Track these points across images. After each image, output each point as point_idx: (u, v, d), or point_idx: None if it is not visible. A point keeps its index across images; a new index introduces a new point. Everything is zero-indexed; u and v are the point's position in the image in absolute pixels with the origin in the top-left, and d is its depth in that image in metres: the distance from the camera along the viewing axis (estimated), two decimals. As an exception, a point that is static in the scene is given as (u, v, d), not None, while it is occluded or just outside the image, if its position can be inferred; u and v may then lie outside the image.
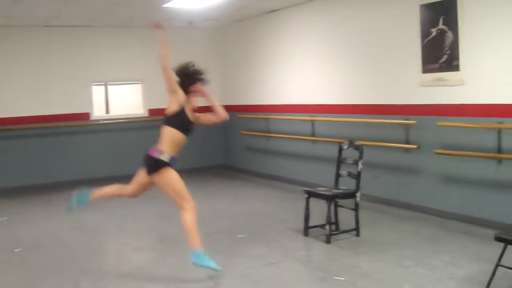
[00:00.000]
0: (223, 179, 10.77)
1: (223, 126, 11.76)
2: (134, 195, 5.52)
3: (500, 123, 6.06)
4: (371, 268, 5.22)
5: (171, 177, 5.08)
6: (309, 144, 9.11)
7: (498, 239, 4.34)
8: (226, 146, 12.01)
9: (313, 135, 9.01)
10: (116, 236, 7.00)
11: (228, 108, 11.40)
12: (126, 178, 10.30)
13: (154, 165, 5.07)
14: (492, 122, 6.14)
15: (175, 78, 5.19)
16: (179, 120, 5.16)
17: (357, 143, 6.42)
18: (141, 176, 5.36)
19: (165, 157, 5.06)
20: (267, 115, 10.17)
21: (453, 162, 6.65)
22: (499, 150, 6.08)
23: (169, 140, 5.12)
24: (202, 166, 11.68)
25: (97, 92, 11.19)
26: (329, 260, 5.61)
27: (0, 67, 10.09)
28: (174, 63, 10.00)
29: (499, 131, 6.08)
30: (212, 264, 5.01)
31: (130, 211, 7.97)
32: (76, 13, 9.18)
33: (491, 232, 5.29)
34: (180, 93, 5.20)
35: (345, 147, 6.56)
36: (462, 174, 6.61)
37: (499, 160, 6.12)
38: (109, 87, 11.49)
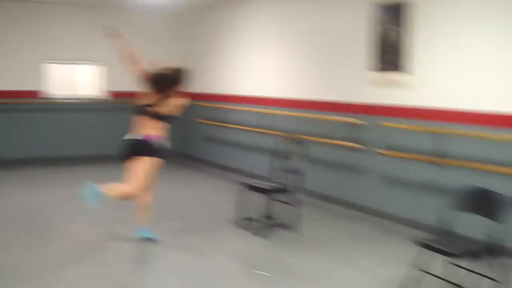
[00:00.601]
0: (177, 168, 10.63)
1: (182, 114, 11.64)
2: (149, 188, 5.59)
3: (441, 127, 6.03)
4: (299, 265, 5.15)
5: (153, 167, 5.36)
6: (262, 136, 9.03)
7: (422, 244, 4.31)
8: (183, 134, 11.87)
9: (266, 127, 8.92)
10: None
11: (186, 95, 11.38)
12: (73, 160, 10.37)
13: (152, 150, 5.31)
14: (434, 126, 6.10)
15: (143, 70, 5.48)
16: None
17: (300, 138, 6.35)
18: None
19: (162, 145, 5.36)
20: (223, 104, 10.06)
21: (395, 163, 6.62)
22: (440, 155, 6.06)
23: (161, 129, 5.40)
24: (158, 153, 11.50)
25: (56, 71, 10.93)
26: (260, 254, 5.55)
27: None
28: (133, 45, 9.92)
29: (439, 136, 6.05)
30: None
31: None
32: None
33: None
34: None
35: (288, 141, 6.49)
36: (402, 176, 6.59)
37: (439, 165, 6.10)
38: (68, 66, 11.22)
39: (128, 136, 5.48)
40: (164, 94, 5.43)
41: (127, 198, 5.41)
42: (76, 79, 11.31)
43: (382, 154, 6.66)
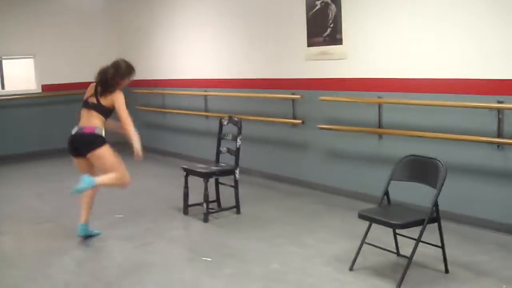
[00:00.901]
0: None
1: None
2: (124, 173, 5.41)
3: (379, 97, 5.99)
4: (241, 247, 5.05)
5: (110, 152, 5.26)
6: (202, 119, 8.87)
7: (361, 216, 4.26)
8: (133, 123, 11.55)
9: (205, 110, 8.76)
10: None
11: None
12: (14, 157, 9.97)
13: (95, 141, 5.16)
14: (372, 97, 6.06)
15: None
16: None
17: (236, 118, 6.23)
18: (80, 162, 5.33)
19: (102, 132, 5.21)
20: (162, 89, 9.83)
21: (337, 138, 6.57)
22: (379, 125, 6.03)
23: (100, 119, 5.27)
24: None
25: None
26: (202, 239, 5.43)
27: None
28: (68, 35, 9.57)
29: (379, 106, 6.02)
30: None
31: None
32: None
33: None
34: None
35: (225, 122, 6.36)
36: (345, 149, 6.55)
37: (380, 136, 6.07)
38: (0, 61, 10.75)
39: (73, 131, 5.30)
40: (107, 89, 5.29)
41: (119, 182, 5.30)
42: (4, 74, 10.82)
43: (322, 128, 6.58)
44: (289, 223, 5.69)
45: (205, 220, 5.86)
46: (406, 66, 5.72)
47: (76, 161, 5.38)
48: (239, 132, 6.07)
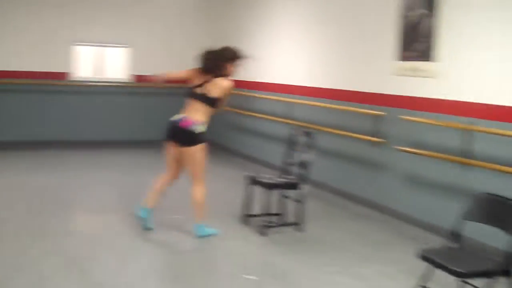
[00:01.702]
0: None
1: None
2: (175, 177, 5.39)
3: (470, 123, 5.38)
4: (292, 269, 4.68)
5: (203, 153, 5.10)
6: (283, 126, 8.51)
7: (423, 258, 3.73)
8: (212, 122, 11.44)
9: (287, 117, 8.41)
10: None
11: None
12: (104, 143, 10.13)
13: (190, 137, 5.02)
14: (462, 122, 5.46)
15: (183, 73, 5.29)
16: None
17: (310, 130, 5.84)
18: (173, 154, 5.21)
19: (200, 130, 5.03)
20: (248, 92, 9.59)
21: (417, 161, 6.00)
22: (466, 154, 5.41)
23: (204, 112, 5.10)
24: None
25: (85, 53, 10.70)
26: (253, 254, 5.10)
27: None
28: (164, 30, 9.62)
29: (468, 133, 5.40)
30: (213, 230, 5.23)
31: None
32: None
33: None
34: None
35: (297, 133, 5.98)
36: (425, 175, 5.97)
37: (465, 166, 5.45)
38: (97, 49, 10.96)
39: (173, 118, 5.18)
40: (212, 74, 5.10)
41: (203, 197, 5.22)
42: (103, 61, 11.01)
43: (403, 150, 6.04)
44: (349, 250, 5.23)
45: (263, 233, 5.52)
46: (505, 92, 5.08)
47: (171, 149, 5.21)
48: (312, 145, 5.69)
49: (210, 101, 5.11)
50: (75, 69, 10.45)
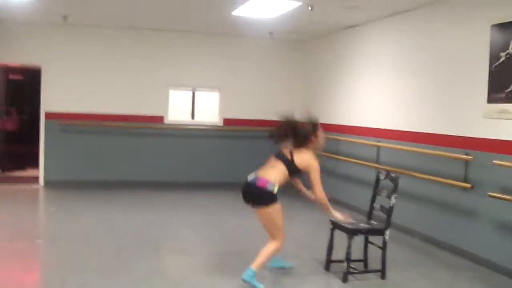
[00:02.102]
0: (285, 197, 10.22)
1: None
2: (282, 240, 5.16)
3: None
4: (371, 318, 4.53)
5: (278, 212, 5.01)
6: (372, 170, 8.40)
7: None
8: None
9: (376, 161, 8.29)
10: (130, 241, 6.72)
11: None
12: (192, 185, 10.42)
13: (264, 197, 4.94)
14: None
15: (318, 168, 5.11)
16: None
17: (393, 174, 5.71)
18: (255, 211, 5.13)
19: (275, 190, 4.94)
20: (337, 135, 9.56)
21: (510, 208, 5.71)
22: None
23: (279, 175, 5.02)
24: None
25: (180, 97, 11.15)
26: (332, 302, 5.00)
27: (81, 65, 10.33)
28: (253, 74, 9.92)
29: None
30: (259, 285, 4.91)
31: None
32: (150, 16, 9.19)
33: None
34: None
35: (382, 177, 5.87)
36: (518, 224, 5.66)
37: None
38: (191, 93, 11.39)
39: (249, 177, 5.14)
40: (301, 144, 5.15)
41: (277, 253, 5.14)
42: (194, 105, 11.39)
43: (494, 196, 5.78)
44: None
45: (344, 280, 5.42)
46: None
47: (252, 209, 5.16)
48: (394, 190, 5.56)
49: (293, 169, 5.08)
50: (169, 112, 10.87)
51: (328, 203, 5.18)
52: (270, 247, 5.01)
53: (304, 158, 5.08)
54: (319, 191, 5.06)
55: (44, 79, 10.22)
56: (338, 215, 5.31)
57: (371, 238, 5.78)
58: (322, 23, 9.06)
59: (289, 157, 5.08)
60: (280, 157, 5.11)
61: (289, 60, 11.36)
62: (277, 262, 5.51)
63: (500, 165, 5.72)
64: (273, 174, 4.98)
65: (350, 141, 9.10)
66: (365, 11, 8.05)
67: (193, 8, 8.41)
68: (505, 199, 5.67)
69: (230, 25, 9.68)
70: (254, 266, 4.93)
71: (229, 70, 11.01)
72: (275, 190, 4.93)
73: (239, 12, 8.39)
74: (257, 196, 4.96)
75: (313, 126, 5.23)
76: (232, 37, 10.85)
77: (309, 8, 7.64)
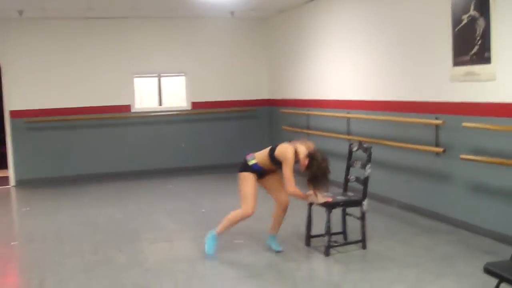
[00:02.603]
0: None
1: (268, 122, 11.31)
2: (280, 202, 5.67)
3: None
4: (355, 289, 4.56)
5: (246, 181, 5.43)
6: (344, 142, 8.40)
7: (488, 271, 3.57)
8: (271, 142, 11.44)
9: (347, 133, 8.30)
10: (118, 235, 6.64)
11: (272, 102, 11.04)
12: (164, 171, 10.35)
13: (242, 166, 5.50)
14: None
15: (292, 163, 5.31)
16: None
17: (366, 144, 5.72)
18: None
19: (251, 162, 5.42)
20: (307, 110, 9.55)
21: (484, 169, 5.77)
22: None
23: (263, 156, 5.44)
24: (247, 162, 11.19)
25: (146, 84, 11.01)
26: (314, 275, 5.06)
27: (42, 59, 10.10)
28: (218, 56, 9.76)
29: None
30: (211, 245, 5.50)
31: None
32: (107, 4, 9.00)
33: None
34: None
35: (354, 148, 5.88)
36: (491, 184, 5.73)
37: (532, 169, 5.21)
38: (156, 79, 11.24)
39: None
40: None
41: (239, 220, 5.51)
42: (160, 91, 11.26)
43: (466, 159, 5.83)
44: (416, 265, 5.06)
45: (326, 253, 5.44)
46: None
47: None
48: (368, 160, 5.58)
49: (271, 155, 5.39)
50: (135, 100, 10.74)
51: (302, 194, 5.37)
52: (233, 213, 5.46)
53: (282, 149, 5.34)
54: (290, 186, 5.25)
55: (5, 77, 9.98)
56: (317, 199, 5.37)
57: (349, 210, 5.81)
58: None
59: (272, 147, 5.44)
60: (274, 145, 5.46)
61: (252, 38, 11.28)
62: (271, 241, 5.67)
63: (470, 128, 5.76)
64: (258, 154, 5.48)
65: (320, 115, 9.09)
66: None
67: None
68: (476, 161, 5.72)
69: (190, 7, 9.55)
70: (217, 230, 5.50)
71: (193, 53, 10.89)
72: (250, 162, 5.43)
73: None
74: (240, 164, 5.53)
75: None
76: (194, 19, 10.72)
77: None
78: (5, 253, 6.02)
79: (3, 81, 10.00)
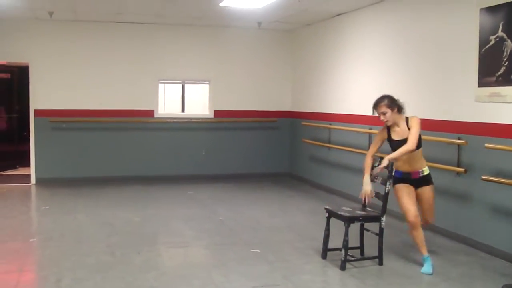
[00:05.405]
0: (279, 188, 10.27)
1: (289, 134, 11.33)
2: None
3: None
4: (370, 304, 4.54)
5: (397, 193, 5.48)
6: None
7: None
8: (291, 154, 11.49)
9: (368, 148, 8.26)
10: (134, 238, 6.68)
11: (294, 114, 11.06)
12: (184, 178, 10.41)
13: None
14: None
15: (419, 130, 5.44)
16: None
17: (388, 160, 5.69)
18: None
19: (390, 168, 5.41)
20: (329, 124, 9.55)
21: (504, 191, 5.72)
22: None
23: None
24: (266, 172, 11.24)
25: (170, 90, 11.13)
26: (329, 289, 5.00)
27: (69, 61, 10.25)
28: (243, 65, 9.83)
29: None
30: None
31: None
32: (136, 10, 9.12)
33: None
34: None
35: (376, 164, 5.85)
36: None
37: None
38: (180, 86, 11.35)
39: None
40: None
41: (412, 230, 5.44)
42: (184, 98, 11.38)
43: (487, 180, 5.79)
44: (431, 284, 5.04)
45: (342, 268, 5.42)
46: None
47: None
48: (390, 176, 5.56)
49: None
50: (159, 106, 10.84)
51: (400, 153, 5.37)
52: (410, 234, 5.47)
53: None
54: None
55: (32, 76, 10.13)
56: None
57: (367, 225, 5.79)
58: (310, 11, 9.02)
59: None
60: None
61: (278, 50, 11.33)
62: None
63: (492, 149, 5.73)
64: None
65: (342, 129, 9.09)
66: (353, -2, 8.04)
67: (181, 0, 8.34)
68: (497, 182, 5.68)
69: (218, 16, 9.63)
70: (422, 252, 5.36)
71: (218, 61, 10.97)
72: (390, 168, 5.45)
73: (226, 3, 8.34)
74: None
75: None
76: (221, 28, 10.80)
77: None
78: (23, 249, 6.09)
79: (30, 80, 10.14)
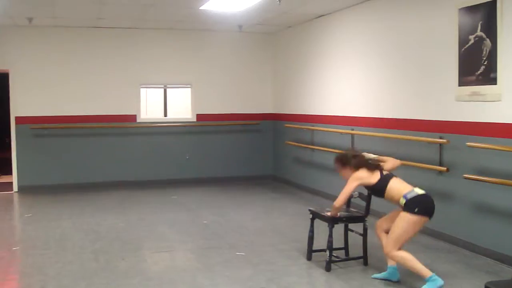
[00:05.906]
0: (263, 190, 10.28)
1: (272, 136, 11.35)
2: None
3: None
4: (355, 305, 4.55)
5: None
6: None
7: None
8: (274, 157, 11.51)
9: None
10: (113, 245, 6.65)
11: (277, 116, 11.08)
12: (168, 182, 10.37)
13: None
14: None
15: (353, 187, 5.26)
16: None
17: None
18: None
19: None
20: (311, 125, 9.58)
21: (486, 189, 5.78)
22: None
23: None
24: (250, 175, 11.23)
25: (151, 94, 11.10)
26: (314, 291, 5.01)
27: (50, 67, 10.17)
28: (224, 69, 9.80)
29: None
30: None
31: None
32: (117, 14, 9.08)
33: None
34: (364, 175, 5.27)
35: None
36: (494, 204, 5.74)
37: (535, 191, 5.22)
38: (162, 90, 11.30)
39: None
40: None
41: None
42: (166, 102, 11.33)
43: (469, 178, 5.84)
44: (416, 281, 5.05)
45: (327, 269, 5.44)
46: None
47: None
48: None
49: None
50: (140, 111, 10.80)
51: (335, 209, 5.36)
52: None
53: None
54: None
55: (12, 83, 10.04)
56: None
57: (351, 226, 5.82)
58: (291, 13, 9.04)
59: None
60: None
61: (259, 52, 11.35)
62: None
63: (474, 147, 5.78)
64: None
65: (324, 131, 9.12)
66: (333, 0, 8.06)
67: (161, 4, 8.33)
68: (479, 180, 5.74)
69: (199, 20, 9.62)
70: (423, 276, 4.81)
71: (200, 65, 10.96)
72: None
73: (207, 6, 8.34)
74: None
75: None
76: (202, 32, 10.80)
77: (278, 1, 7.65)
78: (6, 258, 6.03)
79: (10, 88, 10.05)
